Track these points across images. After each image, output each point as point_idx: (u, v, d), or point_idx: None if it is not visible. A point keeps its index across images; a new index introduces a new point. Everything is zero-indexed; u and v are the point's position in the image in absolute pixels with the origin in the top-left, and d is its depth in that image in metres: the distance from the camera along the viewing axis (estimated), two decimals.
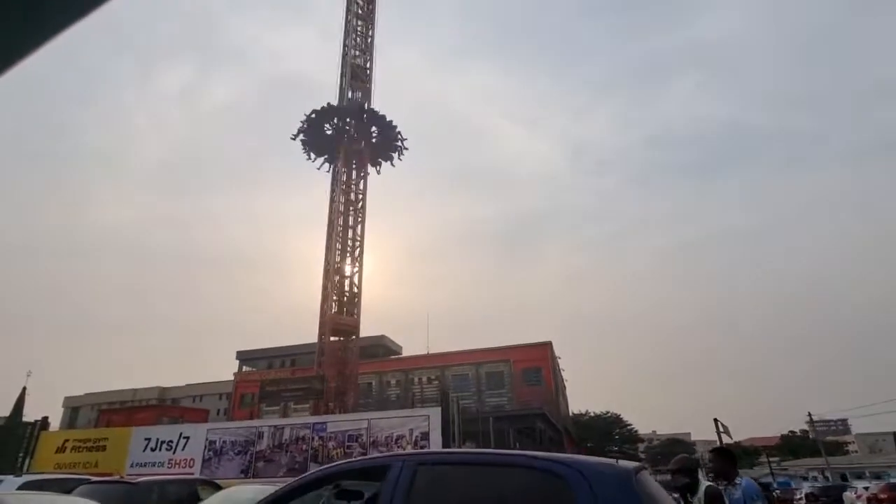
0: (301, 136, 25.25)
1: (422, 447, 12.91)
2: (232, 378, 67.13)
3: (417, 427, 13.08)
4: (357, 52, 27.57)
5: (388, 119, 25.61)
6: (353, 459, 3.32)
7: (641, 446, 70.63)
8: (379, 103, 27.48)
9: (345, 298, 21.94)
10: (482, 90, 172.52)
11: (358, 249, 23.08)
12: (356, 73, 27.17)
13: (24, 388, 31.27)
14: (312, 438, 13.71)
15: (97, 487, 9.38)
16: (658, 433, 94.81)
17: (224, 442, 14.31)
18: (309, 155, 25.62)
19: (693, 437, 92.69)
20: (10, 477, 9.91)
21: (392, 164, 26.22)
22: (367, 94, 26.70)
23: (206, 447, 14.33)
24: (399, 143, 25.99)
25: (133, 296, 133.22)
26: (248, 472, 13.64)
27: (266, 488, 9.86)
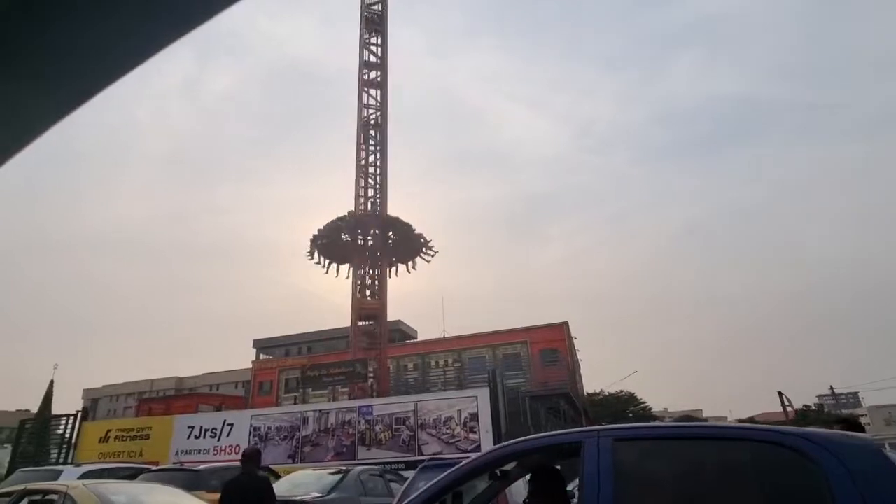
0: (315, 250, 24.49)
1: (471, 428, 12.81)
2: (249, 367, 67.65)
3: (466, 408, 12.96)
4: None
5: (412, 227, 24.97)
6: (537, 436, 3.08)
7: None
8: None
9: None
10: (483, 70, 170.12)
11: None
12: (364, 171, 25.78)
13: (52, 381, 31.56)
14: (359, 422, 13.62)
15: (161, 475, 9.32)
16: (670, 410, 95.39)
17: (269, 428, 14.26)
18: (322, 262, 24.85)
19: (705, 414, 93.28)
20: (70, 466, 9.86)
21: (411, 269, 25.72)
22: (383, 189, 25.22)
23: (250, 433, 14.29)
24: (424, 250, 25.61)
25: (142, 290, 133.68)
26: (295, 458, 13.60)
27: (324, 473, 9.82)
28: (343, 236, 24.36)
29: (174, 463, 12.49)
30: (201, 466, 9.65)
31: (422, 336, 56.90)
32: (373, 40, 26.43)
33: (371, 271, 23.76)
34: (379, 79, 26.23)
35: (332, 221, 24.23)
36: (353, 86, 26.83)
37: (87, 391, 64.25)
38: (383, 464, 12.17)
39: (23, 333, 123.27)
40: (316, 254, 24.58)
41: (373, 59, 26.20)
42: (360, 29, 26.41)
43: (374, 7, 27.07)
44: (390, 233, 24.43)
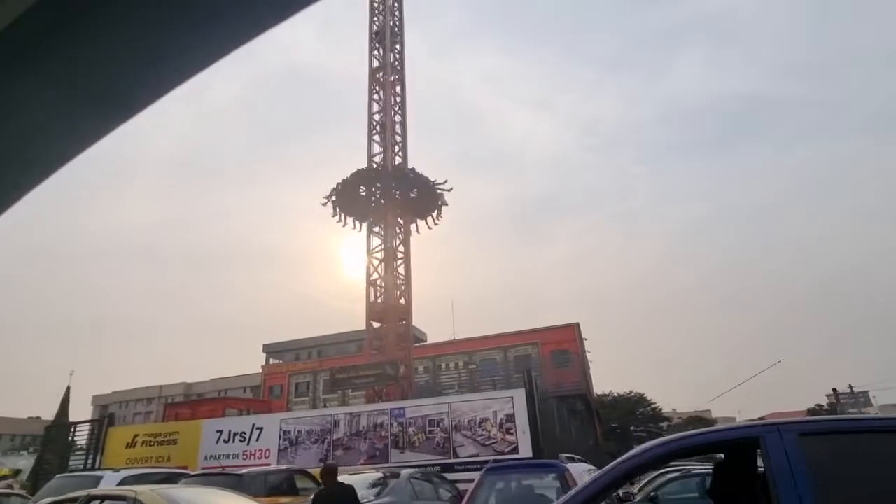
0: (332, 198, 24.00)
1: (507, 429, 12.63)
2: (257, 371, 67.50)
3: (501, 409, 12.78)
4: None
5: (430, 179, 24.46)
6: (704, 431, 2.87)
7: (664, 425, 70.69)
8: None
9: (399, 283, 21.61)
10: (486, 71, 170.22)
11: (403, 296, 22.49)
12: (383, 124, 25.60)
13: (69, 388, 31.42)
14: (391, 424, 13.45)
15: (205, 479, 9.16)
16: (678, 411, 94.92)
17: (299, 431, 14.09)
18: (341, 217, 24.33)
19: (714, 415, 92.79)
20: (109, 472, 9.71)
21: (433, 222, 25.12)
22: (403, 142, 25.02)
23: (280, 437, 14.12)
24: (440, 203, 25.07)
25: (149, 296, 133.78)
26: (326, 461, 13.39)
27: (370, 476, 9.63)
28: (361, 189, 23.71)
29: (209, 468, 12.34)
30: (244, 471, 9.51)
31: (431, 339, 56.67)
32: None
33: (394, 230, 23.26)
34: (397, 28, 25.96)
35: (352, 175, 23.60)
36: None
37: (96, 398, 64.09)
38: (419, 466, 11.98)
39: (28, 340, 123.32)
40: (334, 208, 23.73)
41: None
42: None
43: None
44: (413, 189, 23.84)
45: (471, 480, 9.96)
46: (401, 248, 23.12)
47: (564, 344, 48.63)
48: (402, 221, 23.72)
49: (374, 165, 23.79)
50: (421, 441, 13.09)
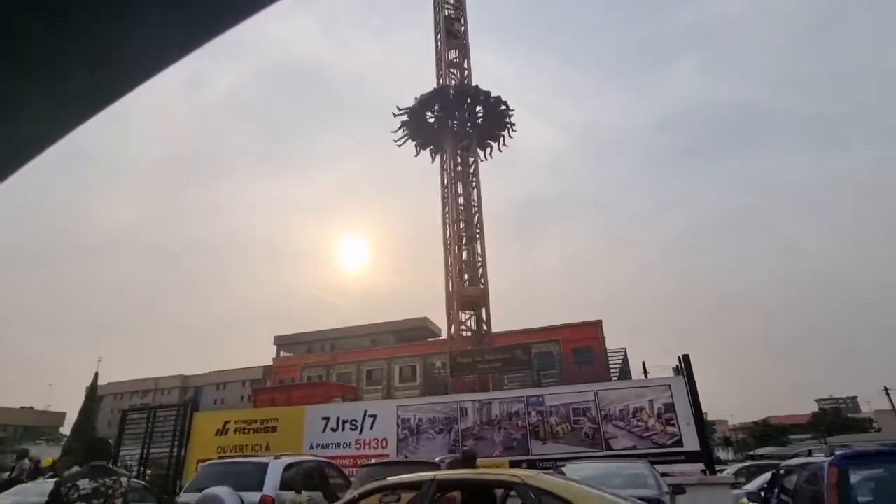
0: (403, 130, 23.10)
1: (667, 420, 11.56)
2: (259, 365, 65.27)
3: (658, 398, 11.70)
4: (449, 5, 25.59)
5: (496, 96, 23.50)
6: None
7: None
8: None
9: (468, 267, 20.37)
10: (485, 75, 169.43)
11: (477, 216, 21.40)
12: (450, 29, 25.25)
13: (97, 374, 29.38)
14: (528, 413, 12.26)
15: (392, 468, 7.87)
16: None
17: (419, 419, 12.79)
18: (415, 147, 23.39)
19: (709, 417, 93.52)
20: (270, 459, 8.35)
21: (502, 147, 24.16)
22: (465, 51, 24.79)
23: (398, 425, 12.80)
24: (508, 121, 23.98)
25: (145, 292, 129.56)
26: (457, 452, 12.15)
27: (622, 465, 8.49)
28: (429, 114, 22.83)
29: (398, 455, 11.27)
30: (437, 458, 8.27)
31: (446, 334, 55.35)
32: None
33: (462, 167, 22.13)
34: None
35: (420, 98, 22.65)
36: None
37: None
38: (563, 459, 10.84)
39: (19, 332, 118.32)
40: (402, 132, 22.80)
41: None
42: None
43: None
44: (478, 108, 22.98)
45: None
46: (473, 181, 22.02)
47: (586, 341, 48.03)
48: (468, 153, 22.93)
49: (442, 84, 22.92)
50: (566, 431, 11.93)
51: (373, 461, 9.50)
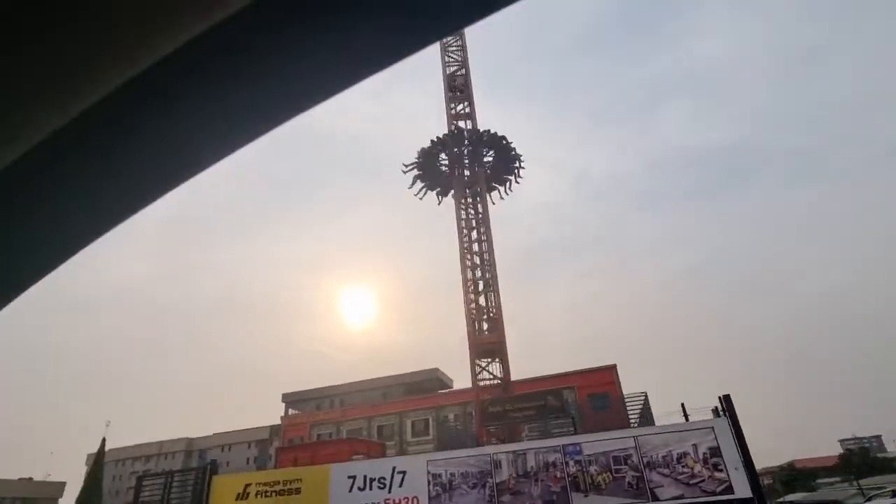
0: (414, 171, 23.90)
1: (714, 465, 11.00)
2: (265, 425, 63.57)
3: (702, 442, 11.18)
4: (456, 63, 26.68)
5: (505, 140, 24.19)
6: None
7: None
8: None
9: (483, 316, 20.12)
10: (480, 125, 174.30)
11: (488, 271, 21.41)
12: (453, 84, 26.18)
13: (104, 439, 28.46)
14: (566, 463, 11.68)
15: None
16: None
17: (451, 474, 12.18)
18: (422, 189, 24.16)
19: None
20: None
21: (508, 190, 24.73)
22: (471, 100, 25.56)
23: (429, 482, 12.18)
24: (517, 165, 24.58)
25: (147, 350, 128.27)
26: None
27: None
28: (441, 158, 23.38)
29: None
30: None
31: (458, 385, 54.13)
32: None
33: (473, 205, 22.35)
34: None
35: (429, 146, 23.30)
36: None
37: (90, 456, 59.10)
38: None
39: (13, 398, 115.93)
40: (414, 174, 23.28)
41: None
42: None
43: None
44: (490, 152, 23.53)
45: None
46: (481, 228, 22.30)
47: (602, 387, 46.84)
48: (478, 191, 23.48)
49: (453, 129, 23.57)
50: (607, 482, 11.32)
51: None
